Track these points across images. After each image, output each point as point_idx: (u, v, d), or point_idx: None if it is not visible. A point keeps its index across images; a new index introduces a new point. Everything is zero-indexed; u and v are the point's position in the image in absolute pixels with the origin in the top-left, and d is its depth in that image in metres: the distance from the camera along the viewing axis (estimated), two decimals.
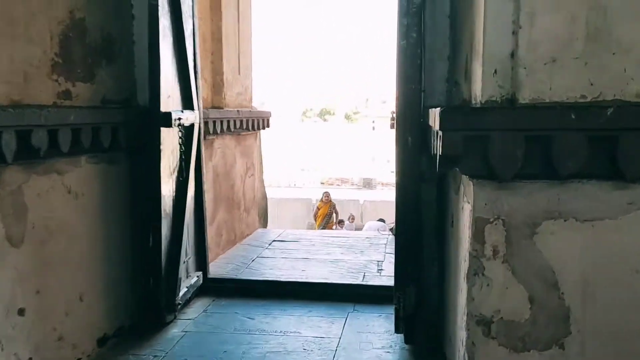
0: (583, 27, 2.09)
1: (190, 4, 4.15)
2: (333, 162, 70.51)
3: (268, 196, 24.41)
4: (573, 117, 2.02)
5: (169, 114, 3.62)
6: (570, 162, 2.06)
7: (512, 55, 2.16)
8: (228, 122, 5.60)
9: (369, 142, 72.61)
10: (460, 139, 2.13)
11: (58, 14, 3.10)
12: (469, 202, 2.33)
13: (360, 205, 26.53)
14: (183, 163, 4.03)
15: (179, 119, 3.76)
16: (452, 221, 3.12)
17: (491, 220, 2.19)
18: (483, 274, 2.19)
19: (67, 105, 3.13)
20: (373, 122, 74.11)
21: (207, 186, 5.28)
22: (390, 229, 6.80)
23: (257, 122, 6.63)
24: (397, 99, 3.39)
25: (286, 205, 26.51)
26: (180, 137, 3.88)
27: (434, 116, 2.49)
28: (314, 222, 13.76)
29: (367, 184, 31.23)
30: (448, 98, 3.50)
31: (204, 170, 4.83)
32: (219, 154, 5.67)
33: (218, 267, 5.20)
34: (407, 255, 3.60)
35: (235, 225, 6.25)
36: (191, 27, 4.18)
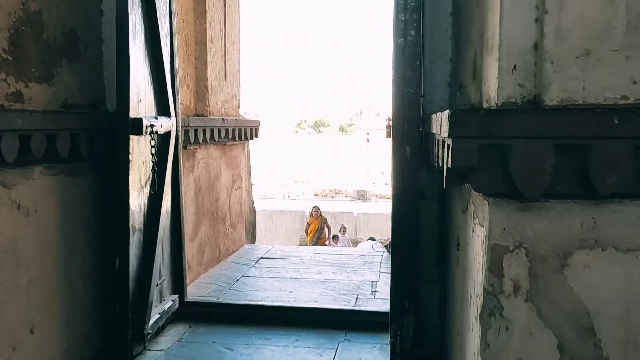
0: (623, 13, 1.71)
1: (167, 1, 3.77)
2: (327, 174, 70.24)
3: (260, 208, 23.86)
4: (616, 121, 1.63)
5: (139, 121, 3.23)
6: (610, 178, 1.67)
7: (536, 47, 1.79)
8: (212, 130, 5.21)
9: (363, 154, 72.39)
10: (475, 148, 1.74)
11: (8, 5, 2.71)
12: (482, 225, 1.93)
13: (354, 218, 26.13)
14: (156, 175, 3.62)
15: (152, 126, 3.37)
16: (458, 243, 2.73)
17: (511, 248, 1.80)
18: (501, 315, 1.79)
19: (17, 109, 2.73)
20: (367, 134, 73.99)
21: (187, 200, 4.88)
22: (386, 246, 6.39)
23: (244, 132, 6.24)
24: (394, 104, 3.03)
25: (279, 217, 26.10)
26: (153, 146, 3.48)
27: (440, 121, 2.11)
28: (305, 235, 13.37)
29: (361, 196, 30.87)
30: (451, 104, 3.13)
31: (183, 183, 4.43)
32: (201, 165, 5.27)
33: (198, 288, 4.78)
34: (404, 281, 3.21)
35: (219, 242, 5.84)
36: (168, 26, 3.80)
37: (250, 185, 7.20)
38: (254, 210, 7.34)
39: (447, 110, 1.90)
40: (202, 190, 5.31)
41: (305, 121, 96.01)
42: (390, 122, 3.22)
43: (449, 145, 1.89)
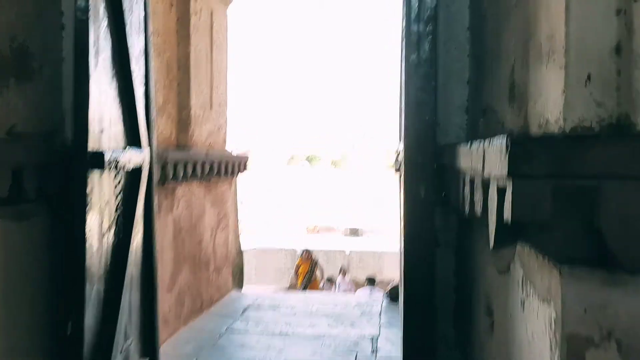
0: None
1: (141, 17, 3.28)
2: (319, 209, 69.58)
3: (250, 246, 23.32)
4: None
5: (99, 154, 2.68)
6: None
7: (619, 49, 1.29)
8: (195, 165, 4.67)
9: (356, 188, 72.03)
10: (547, 192, 1.21)
11: None
12: (546, 302, 1.39)
13: (346, 256, 25.44)
14: (122, 217, 3.06)
15: (117, 160, 2.82)
16: (488, 309, 2.18)
17: (597, 340, 1.25)
18: None
19: None
20: (360, 169, 73.78)
21: (165, 243, 4.31)
22: (387, 293, 5.80)
23: (232, 166, 5.71)
24: (405, 134, 2.52)
25: (269, 256, 25.27)
26: (118, 184, 2.93)
27: (479, 154, 1.59)
28: (295, 279, 12.72)
29: (354, 232, 30.21)
30: (470, 133, 2.63)
31: (159, 224, 3.87)
32: (182, 204, 4.71)
33: (175, 347, 4.16)
34: (417, 350, 2.65)
35: (202, 290, 5.23)
36: (142, 45, 3.30)
37: (237, 224, 6.63)
38: (242, 252, 6.75)
39: (502, 137, 1.37)
40: (183, 232, 4.73)
41: (298, 155, 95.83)
42: (400, 156, 2.70)
43: (502, 189, 1.36)
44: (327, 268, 25.47)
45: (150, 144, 3.43)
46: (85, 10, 2.60)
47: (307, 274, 11.16)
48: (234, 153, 6.34)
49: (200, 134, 5.13)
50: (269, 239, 31.03)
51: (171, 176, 4.20)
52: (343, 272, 12.00)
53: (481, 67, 2.42)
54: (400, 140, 3.07)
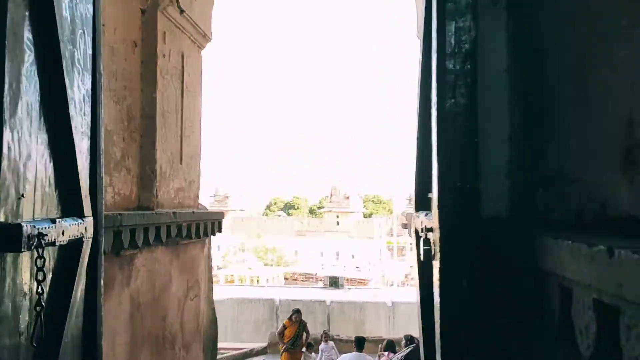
0: None
1: (88, 53, 2.65)
2: (297, 258, 68.40)
3: (227, 296, 22.00)
4: None
5: (14, 228, 1.98)
6: None
7: None
8: (159, 229, 3.97)
9: (333, 237, 71.11)
10: None
11: None
12: None
13: (327, 307, 24.46)
14: (53, 305, 2.32)
15: (41, 235, 2.11)
16: None
17: None
18: None
19: None
20: (337, 217, 73.24)
21: (118, 325, 3.55)
22: None
23: (204, 227, 5.01)
24: (438, 204, 1.87)
25: (248, 306, 24.19)
26: (40, 268, 2.21)
27: None
28: (278, 338, 11.52)
29: (334, 283, 29.29)
30: (520, 208, 1.99)
31: (109, 305, 3.13)
32: (143, 275, 3.98)
33: None
34: None
35: None
36: (88, 87, 2.65)
37: (211, 290, 5.86)
38: (215, 322, 5.95)
39: None
40: (142, 308, 3.98)
41: (275, 203, 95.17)
42: (429, 233, 2.04)
43: None
44: (307, 320, 24.30)
45: (95, 210, 2.73)
46: None
47: (293, 338, 10.23)
48: (209, 208, 5.67)
49: (167, 191, 4.45)
50: (247, 290, 29.98)
51: (127, 244, 3.49)
52: (325, 336, 11.07)
53: (534, 118, 1.81)
54: (415, 205, 2.43)
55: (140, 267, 3.91)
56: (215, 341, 5.86)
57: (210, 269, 5.86)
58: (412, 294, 22.41)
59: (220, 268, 63.20)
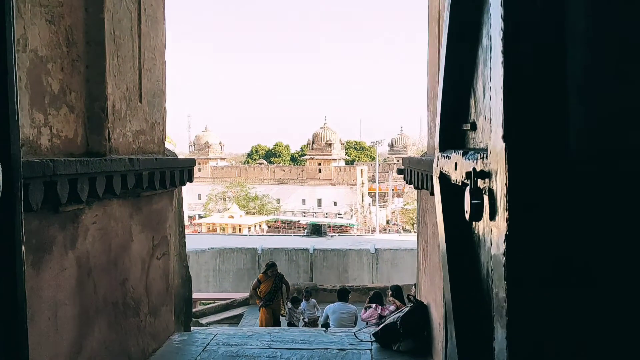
0: None
1: None
2: (279, 206, 68.28)
3: (209, 245, 21.58)
4: None
5: None
6: None
7: None
8: (110, 178, 3.28)
9: (315, 185, 70.87)
10: None
11: None
12: None
13: (310, 254, 24.27)
14: None
15: None
16: None
17: None
18: None
19: None
20: (319, 164, 72.80)
21: (62, 295, 2.93)
22: (375, 334, 4.55)
23: (170, 176, 4.33)
24: (508, 137, 1.21)
25: (229, 256, 23.92)
26: None
27: None
28: (253, 293, 10.63)
29: (317, 230, 29.06)
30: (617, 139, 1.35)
31: (46, 272, 2.49)
32: (93, 234, 3.32)
33: None
34: None
35: (129, 344, 3.85)
36: None
37: (183, 246, 5.24)
38: (189, 281, 5.36)
39: None
40: (95, 273, 3.34)
41: (257, 151, 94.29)
42: (451, 164, 1.38)
43: None
44: (290, 268, 24.13)
45: (8, 155, 2.03)
46: None
47: (269, 294, 9.60)
48: (175, 156, 4.98)
49: (122, 134, 3.74)
50: (228, 239, 29.58)
51: (66, 198, 2.81)
52: (306, 295, 10.55)
53: None
54: (439, 142, 1.79)
55: (89, 225, 3.25)
56: (189, 301, 5.29)
57: (181, 222, 5.22)
58: (394, 240, 22.29)
59: (202, 217, 62.82)
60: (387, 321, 4.43)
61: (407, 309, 4.38)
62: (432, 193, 2.36)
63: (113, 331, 3.59)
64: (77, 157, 3.17)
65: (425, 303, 4.39)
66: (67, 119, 3.19)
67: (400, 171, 4.93)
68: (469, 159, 1.35)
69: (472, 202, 1.23)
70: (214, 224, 57.62)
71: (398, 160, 79.40)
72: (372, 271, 23.86)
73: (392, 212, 66.85)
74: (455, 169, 1.51)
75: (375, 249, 23.74)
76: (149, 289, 4.19)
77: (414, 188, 4.22)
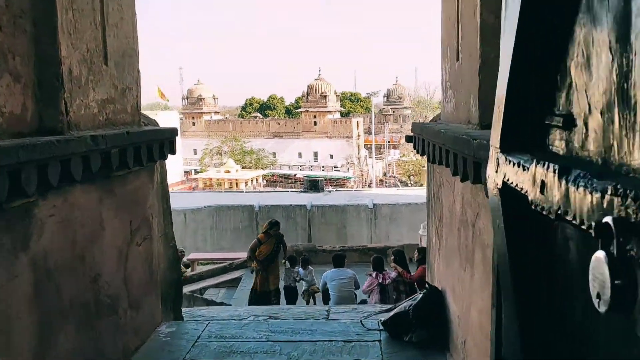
0: None
1: None
2: (275, 160, 67.74)
3: (205, 203, 21.05)
4: None
5: None
6: None
7: None
8: (66, 163, 2.70)
9: (311, 138, 70.12)
10: None
11: None
12: None
13: (307, 211, 23.90)
14: None
15: None
16: None
17: None
18: None
19: None
20: (314, 117, 71.78)
21: (16, 307, 2.41)
22: (384, 322, 4.09)
23: (147, 150, 3.75)
24: None
25: (226, 214, 23.53)
26: None
27: None
28: (249, 254, 9.56)
29: (314, 186, 28.63)
30: None
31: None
32: (51, 229, 2.76)
33: None
34: None
35: (105, 345, 3.37)
36: None
37: (169, 225, 4.71)
38: (177, 261, 4.86)
39: None
40: (57, 274, 2.81)
41: (251, 104, 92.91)
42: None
43: None
44: (288, 225, 23.78)
45: None
46: None
47: (269, 254, 8.99)
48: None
49: (84, 104, 3.13)
50: (225, 196, 29.15)
51: (6, 193, 2.24)
52: (304, 263, 9.88)
53: None
54: (501, 133, 1.19)
55: (45, 219, 2.70)
56: (178, 285, 4.81)
57: (166, 198, 4.67)
58: (392, 195, 21.81)
59: (198, 172, 62.27)
60: (398, 309, 3.96)
61: (419, 295, 3.90)
62: (486, 195, 1.81)
63: (84, 335, 3.09)
64: (27, 137, 2.59)
65: (440, 288, 3.91)
66: (10, 90, 2.59)
67: (409, 138, 4.35)
68: (586, 187, 0.79)
69: (615, 282, 0.68)
70: (211, 179, 57.17)
71: (394, 112, 78.33)
72: (371, 227, 23.56)
73: (389, 164, 66.47)
74: (543, 190, 0.95)
75: (374, 204, 23.36)
76: (128, 281, 3.68)
77: (427, 161, 3.67)
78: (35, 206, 2.61)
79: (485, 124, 2.78)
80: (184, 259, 11.68)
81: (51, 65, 2.84)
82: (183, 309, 5.49)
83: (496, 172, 1.27)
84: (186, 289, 12.62)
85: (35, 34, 2.79)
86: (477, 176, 2.20)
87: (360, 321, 4.16)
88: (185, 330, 4.17)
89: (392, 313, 3.97)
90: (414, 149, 4.16)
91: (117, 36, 3.60)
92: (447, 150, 2.86)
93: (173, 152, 4.27)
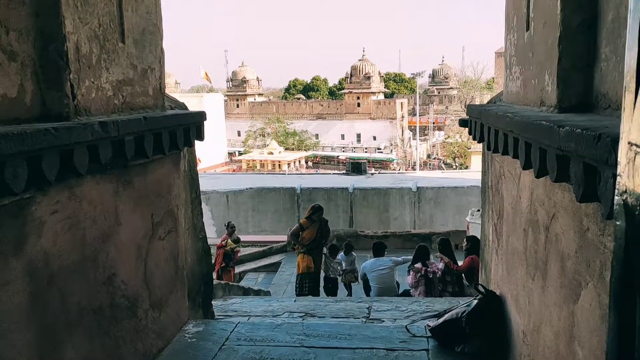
0: None
1: None
2: (318, 141, 67.38)
3: (246, 185, 21.02)
4: None
5: None
6: None
7: None
8: (69, 154, 2.35)
9: (354, 119, 69.28)
10: None
11: None
12: None
13: (349, 194, 23.47)
14: None
15: None
16: None
17: None
18: None
19: None
20: (358, 98, 70.82)
21: (11, 319, 2.10)
22: (432, 329, 3.65)
23: (170, 137, 3.39)
24: None
25: (267, 196, 23.37)
26: None
27: None
28: (292, 240, 9.14)
29: (356, 168, 28.10)
30: None
31: None
32: (52, 229, 2.44)
33: None
34: None
35: (123, 352, 3.06)
36: None
37: (197, 215, 4.37)
38: (207, 253, 4.54)
39: None
40: (61, 278, 2.49)
41: (294, 86, 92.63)
42: None
43: None
44: (329, 208, 23.45)
45: None
46: None
47: (315, 240, 8.50)
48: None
49: (96, 86, 2.78)
50: (266, 178, 29.05)
51: None
52: (347, 249, 9.27)
53: None
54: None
55: (46, 217, 2.37)
56: (208, 279, 4.49)
57: (195, 187, 4.33)
58: (436, 178, 21.14)
59: (242, 154, 62.59)
60: (449, 315, 3.50)
61: (475, 301, 3.42)
62: (609, 217, 1.34)
63: (97, 344, 2.79)
64: (24, 123, 2.26)
65: (498, 293, 3.43)
66: (4, 70, 2.25)
67: (463, 123, 3.84)
68: None
69: None
70: (254, 160, 57.41)
71: (439, 92, 76.44)
72: (414, 210, 22.95)
73: (433, 146, 65.07)
74: None
75: (417, 188, 22.70)
76: (149, 279, 3.36)
77: (487, 150, 3.16)
78: (31, 203, 2.28)
79: (565, 105, 2.27)
80: (235, 235, 11.54)
81: (54, 41, 2.49)
82: (216, 301, 5.20)
83: (632, 177, 0.81)
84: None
85: (35, 6, 2.44)
86: (563, 173, 1.72)
87: (406, 327, 3.73)
88: (213, 330, 3.84)
89: (442, 320, 3.52)
90: (470, 134, 3.65)
91: (136, 11, 3.23)
92: (516, 138, 2.36)
93: (201, 137, 3.90)
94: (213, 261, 11.23)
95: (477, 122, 3.36)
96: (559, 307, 2.26)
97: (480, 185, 4.28)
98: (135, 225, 3.18)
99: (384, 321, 4.41)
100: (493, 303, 3.33)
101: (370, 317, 4.54)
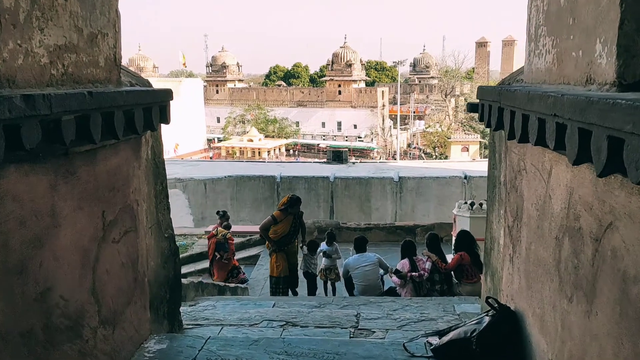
0: None
1: None
2: (298, 129, 66.68)
3: (226, 173, 20.39)
4: None
5: None
6: None
7: None
8: None
9: (335, 107, 68.67)
10: None
11: None
12: None
13: (330, 183, 22.99)
14: None
15: None
16: None
17: None
18: None
19: None
20: (339, 86, 70.17)
21: None
22: (435, 349, 3.14)
23: (124, 119, 2.79)
24: None
25: (247, 184, 22.75)
26: None
27: None
28: (262, 234, 8.44)
29: (337, 157, 27.60)
30: None
31: None
32: None
33: None
34: None
35: None
36: None
37: (163, 211, 3.78)
38: (175, 254, 3.95)
39: None
40: None
41: (275, 72, 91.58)
42: None
43: None
44: (309, 197, 22.94)
45: None
46: None
47: (288, 235, 8.00)
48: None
49: (26, 51, 2.17)
50: (246, 166, 28.35)
51: None
52: (330, 238, 8.73)
53: None
54: None
55: None
56: (176, 283, 3.91)
57: (161, 178, 3.74)
58: (418, 167, 20.76)
59: (221, 140, 61.50)
60: (454, 334, 2.99)
61: (486, 318, 2.91)
62: None
63: None
64: None
65: (513, 308, 2.93)
66: None
67: (472, 107, 3.32)
68: None
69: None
70: (233, 148, 56.46)
71: (420, 81, 76.11)
72: (396, 201, 22.59)
73: (413, 135, 64.86)
74: None
75: (399, 177, 22.34)
76: (99, 291, 2.78)
77: (508, 139, 2.63)
78: None
79: (629, 82, 1.75)
80: (225, 222, 10.87)
81: None
82: (185, 307, 4.64)
83: None
84: (200, 266, 11.87)
85: None
86: None
87: (404, 345, 3.20)
88: (179, 348, 3.28)
89: (447, 339, 3.00)
90: (481, 120, 3.13)
91: None
92: (562, 124, 1.84)
93: (166, 120, 3.31)
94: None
95: (494, 105, 2.83)
96: (616, 341, 1.76)
97: (487, 180, 3.77)
98: (80, 226, 2.59)
99: (375, 331, 3.90)
100: (508, 321, 2.83)
101: (359, 327, 4.02)
